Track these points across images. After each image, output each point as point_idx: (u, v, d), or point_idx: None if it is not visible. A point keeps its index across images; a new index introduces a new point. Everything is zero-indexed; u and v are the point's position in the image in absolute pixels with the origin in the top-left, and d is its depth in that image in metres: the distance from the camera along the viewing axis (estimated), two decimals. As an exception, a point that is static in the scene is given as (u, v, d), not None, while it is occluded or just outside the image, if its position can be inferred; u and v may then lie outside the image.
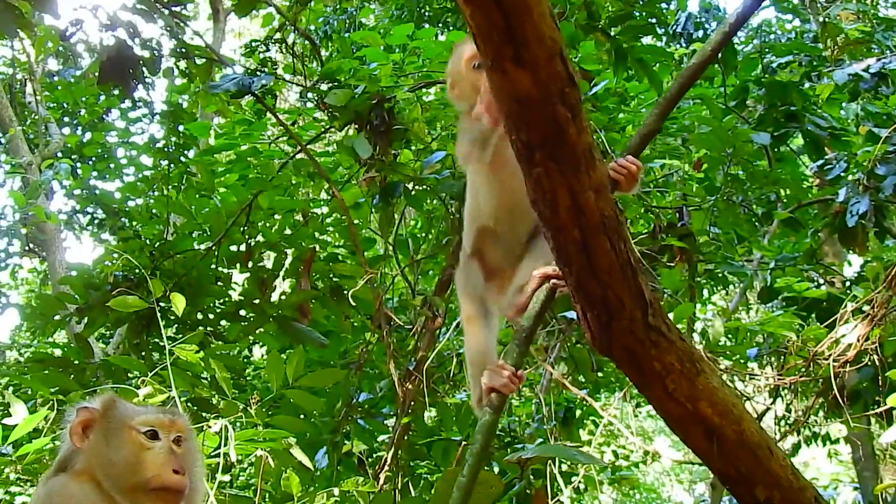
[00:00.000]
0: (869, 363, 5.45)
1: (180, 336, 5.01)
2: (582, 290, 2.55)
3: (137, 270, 6.04)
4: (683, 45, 9.51)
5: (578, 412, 8.02)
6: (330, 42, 11.53)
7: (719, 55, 7.82)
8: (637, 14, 6.39)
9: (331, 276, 6.83)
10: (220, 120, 9.56)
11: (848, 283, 7.77)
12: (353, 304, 6.50)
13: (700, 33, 9.75)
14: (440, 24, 11.58)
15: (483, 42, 2.19)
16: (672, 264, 6.33)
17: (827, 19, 6.88)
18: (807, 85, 7.36)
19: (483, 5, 2.11)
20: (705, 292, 9.03)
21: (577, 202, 2.37)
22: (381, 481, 6.19)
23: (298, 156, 6.87)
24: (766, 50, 8.11)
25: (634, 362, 2.64)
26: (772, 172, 7.08)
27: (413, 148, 6.91)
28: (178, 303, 4.79)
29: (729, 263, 7.19)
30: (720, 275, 7.83)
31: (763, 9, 9.82)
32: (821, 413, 7.39)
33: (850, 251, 6.83)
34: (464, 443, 6.35)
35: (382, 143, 6.27)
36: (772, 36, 10.06)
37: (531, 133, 2.31)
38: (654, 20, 8.12)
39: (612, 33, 6.00)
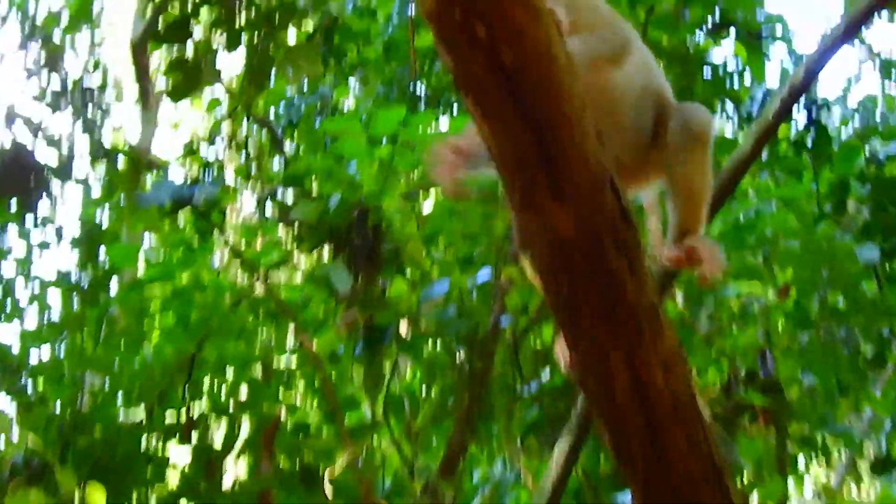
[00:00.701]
0: None
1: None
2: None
3: (42, 452, 5.96)
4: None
5: None
6: (295, 132, 11.68)
7: (809, 140, 7.95)
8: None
9: (300, 452, 6.72)
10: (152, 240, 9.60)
11: None
12: (331, 491, 6.40)
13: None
14: (440, 106, 11.74)
15: (508, 171, 2.24)
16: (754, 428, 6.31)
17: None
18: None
19: (507, 120, 2.18)
20: (800, 463, 8.92)
21: (639, 380, 2.35)
22: None
23: (256, 290, 6.85)
24: (871, 134, 8.19)
25: None
26: (883, 299, 7.02)
27: (407, 276, 6.88)
28: (97, 497, 4.74)
29: (829, 425, 7.11)
30: (818, 440, 7.72)
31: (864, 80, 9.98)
32: None
33: None
34: None
35: (366, 272, 6.29)
36: (878, 115, 10.18)
37: (575, 290, 2.31)
38: (722, 98, 8.28)
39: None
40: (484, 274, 6.86)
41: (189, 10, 6.44)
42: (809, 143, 7.67)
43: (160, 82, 13.58)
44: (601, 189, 2.24)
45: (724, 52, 8.68)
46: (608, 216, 2.26)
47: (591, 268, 2.28)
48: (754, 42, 8.46)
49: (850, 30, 3.38)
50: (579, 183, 2.23)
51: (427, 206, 8.03)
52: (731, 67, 8.65)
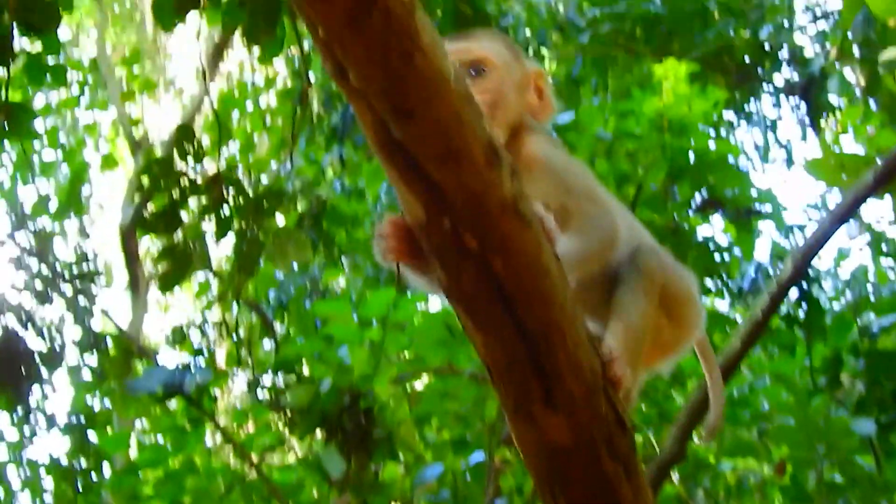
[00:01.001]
0: None
1: None
2: None
3: None
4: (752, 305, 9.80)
5: None
6: (286, 314, 11.82)
7: (801, 314, 8.06)
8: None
9: None
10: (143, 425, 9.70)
11: None
12: None
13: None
14: (432, 287, 11.89)
15: (501, 379, 2.29)
16: None
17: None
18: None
19: (499, 331, 2.24)
20: None
21: None
22: None
23: (249, 474, 6.93)
24: (864, 307, 8.33)
25: None
26: (880, 473, 7.09)
27: (401, 459, 6.97)
28: None
29: None
30: None
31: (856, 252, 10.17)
32: None
33: None
34: None
35: (359, 456, 6.37)
36: (869, 287, 10.31)
37: (570, 496, 2.36)
38: (709, 276, 8.45)
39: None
40: (477, 456, 6.93)
41: (177, 197, 6.54)
42: (802, 317, 7.79)
43: (149, 266, 13.87)
44: (596, 397, 2.27)
45: (714, 229, 8.87)
46: (603, 424, 2.28)
47: (585, 475, 2.30)
48: (743, 219, 8.65)
49: (841, 218, 3.48)
50: (573, 392, 2.26)
51: (419, 384, 8.12)
52: (722, 242, 8.80)
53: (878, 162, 3.53)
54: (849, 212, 3.29)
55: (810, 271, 8.13)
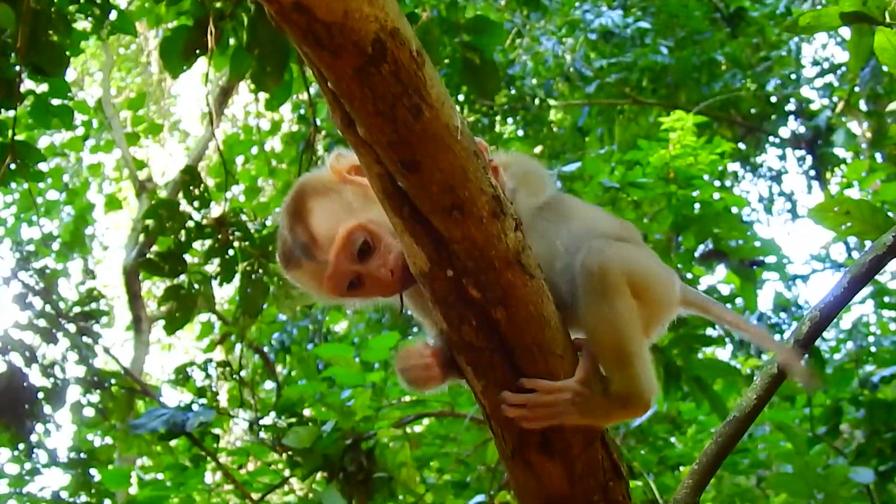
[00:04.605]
0: None
1: None
2: None
3: None
4: (754, 354, 9.88)
5: None
6: (288, 356, 11.87)
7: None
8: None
9: None
10: (144, 462, 9.76)
11: None
12: None
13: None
14: (434, 332, 11.95)
15: (500, 426, 2.36)
16: None
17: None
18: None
19: (500, 379, 2.32)
20: None
21: None
22: None
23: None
24: (865, 357, 8.39)
25: None
26: (881, 526, 7.16)
27: (401, 501, 7.04)
28: None
29: None
30: None
31: (857, 304, 10.25)
32: None
33: None
34: None
35: (360, 497, 6.43)
36: (871, 338, 10.36)
37: None
38: (712, 326, 8.52)
39: (661, 343, 6.31)
40: (478, 499, 6.98)
41: (182, 240, 6.56)
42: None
43: (152, 306, 13.96)
44: (592, 446, 2.34)
45: (717, 279, 8.94)
46: (599, 471, 2.36)
47: None
48: (747, 270, 8.71)
49: (862, 280, 3.47)
50: (570, 440, 2.32)
51: (420, 427, 8.17)
52: (725, 292, 8.86)
53: (886, 211, 3.58)
54: (870, 274, 3.29)
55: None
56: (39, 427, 7.47)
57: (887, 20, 3.42)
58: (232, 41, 6.15)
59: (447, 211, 2.14)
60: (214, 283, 6.64)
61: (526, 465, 2.35)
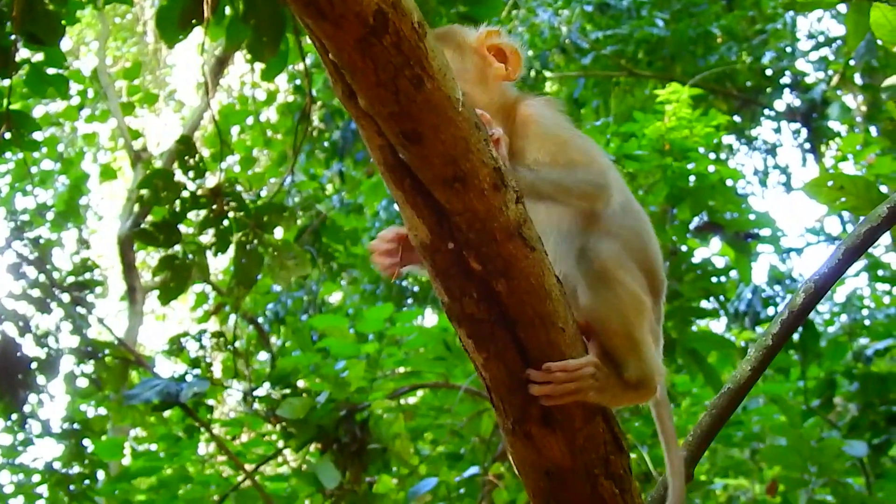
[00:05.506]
0: None
1: None
2: None
3: None
4: (748, 327, 9.89)
5: None
6: (282, 327, 11.86)
7: (796, 337, 8.12)
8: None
9: None
10: (138, 433, 9.76)
11: None
12: None
13: (770, 311, 10.13)
14: (429, 303, 11.97)
15: (500, 398, 2.35)
16: None
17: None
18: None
19: (501, 352, 2.31)
20: None
21: None
22: None
23: (243, 483, 6.98)
24: (859, 330, 8.40)
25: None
26: (871, 495, 7.16)
27: (395, 472, 7.03)
28: None
29: None
30: None
31: (851, 277, 10.26)
32: None
33: None
34: None
35: (354, 468, 6.45)
36: (864, 311, 10.38)
37: None
38: (706, 298, 8.53)
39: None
40: (471, 470, 7.00)
41: (177, 210, 6.53)
42: (797, 339, 7.86)
43: (146, 276, 13.93)
44: (594, 419, 2.35)
45: (712, 252, 8.94)
46: (600, 444, 2.36)
47: (582, 494, 2.37)
48: (742, 243, 8.69)
49: (857, 252, 3.45)
50: (571, 413, 2.32)
51: (414, 399, 8.17)
52: (719, 265, 8.86)
53: (880, 186, 3.57)
54: (864, 246, 3.27)
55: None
56: (33, 397, 7.47)
57: (884, -3, 3.40)
58: (228, 11, 6.10)
59: (449, 183, 2.13)
60: (209, 253, 6.63)
61: (527, 438, 2.35)
